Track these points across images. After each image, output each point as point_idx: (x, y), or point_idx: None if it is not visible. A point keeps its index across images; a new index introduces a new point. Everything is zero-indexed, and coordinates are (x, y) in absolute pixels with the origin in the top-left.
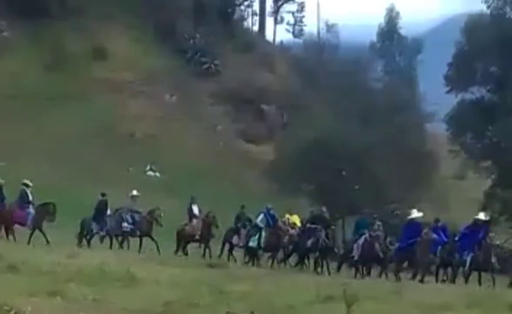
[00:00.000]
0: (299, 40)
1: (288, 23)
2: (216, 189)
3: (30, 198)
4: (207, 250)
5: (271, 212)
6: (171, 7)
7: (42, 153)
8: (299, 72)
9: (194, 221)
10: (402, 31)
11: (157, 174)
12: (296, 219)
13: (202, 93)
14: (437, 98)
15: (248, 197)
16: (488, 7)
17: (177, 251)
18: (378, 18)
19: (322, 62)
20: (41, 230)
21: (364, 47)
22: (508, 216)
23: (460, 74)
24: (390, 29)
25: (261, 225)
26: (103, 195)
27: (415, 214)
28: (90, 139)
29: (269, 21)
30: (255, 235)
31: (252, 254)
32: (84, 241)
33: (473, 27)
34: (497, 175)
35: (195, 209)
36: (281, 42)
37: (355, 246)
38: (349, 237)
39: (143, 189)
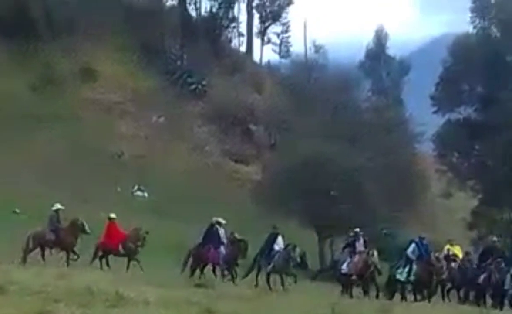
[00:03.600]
0: (286, 61)
1: (274, 44)
2: (204, 210)
3: (222, 236)
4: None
5: (425, 242)
6: (158, 28)
7: (30, 174)
8: (286, 92)
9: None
10: (390, 51)
11: (145, 194)
12: (458, 250)
13: (190, 114)
14: (425, 118)
15: (236, 217)
16: (474, 27)
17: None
18: (365, 38)
19: (310, 82)
20: None
21: (352, 67)
22: (494, 236)
23: (446, 94)
24: (378, 50)
25: (413, 257)
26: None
27: None
28: (78, 160)
29: (256, 42)
30: (404, 267)
31: (398, 288)
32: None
33: (459, 47)
34: (484, 193)
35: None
36: (268, 62)
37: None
38: (338, 256)
39: (131, 209)
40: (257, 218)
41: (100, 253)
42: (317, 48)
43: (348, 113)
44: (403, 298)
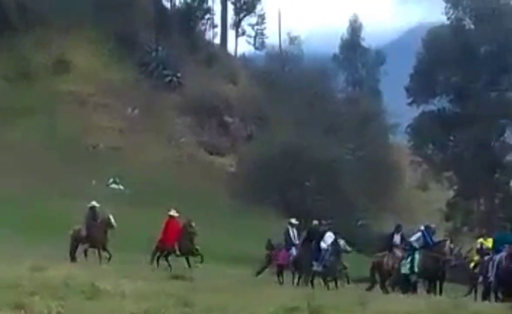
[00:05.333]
0: (261, 52)
1: (249, 36)
2: (180, 201)
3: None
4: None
5: (432, 230)
6: (132, 20)
7: (6, 166)
8: (262, 84)
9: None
10: (365, 43)
11: (121, 187)
12: (490, 243)
13: (165, 105)
14: (400, 110)
15: (212, 208)
16: (448, 18)
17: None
18: (340, 30)
19: (285, 73)
20: None
21: (327, 58)
22: (470, 226)
23: (421, 85)
24: (353, 41)
25: (416, 245)
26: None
27: None
28: (54, 152)
29: (231, 33)
30: (406, 258)
31: (406, 283)
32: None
33: (433, 38)
34: (459, 185)
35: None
36: (243, 54)
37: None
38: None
39: (106, 202)
40: (233, 209)
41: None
42: (292, 40)
43: (324, 105)
44: (412, 290)
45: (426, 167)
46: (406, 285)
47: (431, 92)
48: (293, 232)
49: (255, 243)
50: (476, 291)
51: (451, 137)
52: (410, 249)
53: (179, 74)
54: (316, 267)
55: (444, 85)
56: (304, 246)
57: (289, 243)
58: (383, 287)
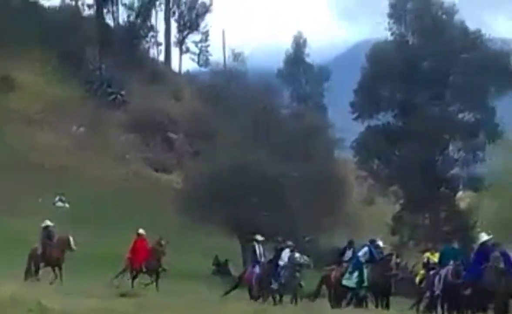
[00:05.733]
0: (205, 69)
1: (193, 53)
2: (126, 219)
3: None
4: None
5: (378, 244)
6: (76, 38)
7: None
8: (206, 100)
9: None
10: (309, 58)
11: (66, 205)
12: (436, 257)
13: (110, 123)
14: (345, 125)
15: (158, 225)
16: (392, 34)
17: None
18: (284, 46)
19: (230, 89)
20: None
21: (272, 74)
22: (416, 240)
23: (365, 100)
24: (297, 57)
25: (362, 259)
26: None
27: (485, 237)
28: (0, 170)
29: (175, 51)
30: (352, 273)
31: (346, 294)
32: None
33: (377, 54)
34: (405, 199)
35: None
36: (188, 71)
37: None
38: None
39: (52, 220)
40: (179, 225)
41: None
42: (236, 56)
43: (269, 120)
44: (356, 304)
45: (372, 181)
46: (352, 299)
47: (375, 107)
48: (259, 249)
49: (201, 259)
50: (419, 305)
51: (396, 152)
52: (356, 263)
53: (123, 92)
54: (273, 285)
55: (388, 100)
56: (268, 264)
57: (253, 261)
58: (330, 300)
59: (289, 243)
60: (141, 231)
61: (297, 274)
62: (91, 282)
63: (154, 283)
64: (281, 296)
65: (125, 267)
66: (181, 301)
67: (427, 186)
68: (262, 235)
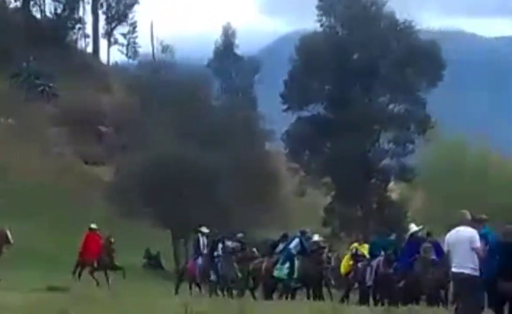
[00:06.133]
0: (134, 61)
1: (121, 45)
2: (56, 212)
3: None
4: None
5: (309, 235)
6: (2, 30)
7: None
8: (136, 93)
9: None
10: (238, 50)
11: None
12: (365, 249)
13: (39, 116)
14: (276, 117)
15: (88, 218)
16: (321, 25)
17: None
18: (213, 37)
19: (159, 82)
20: None
21: (202, 66)
22: (348, 232)
23: (295, 92)
24: (226, 48)
25: (294, 252)
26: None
27: (415, 228)
28: None
29: (103, 43)
30: (283, 264)
31: (277, 285)
32: None
33: (306, 45)
34: (336, 191)
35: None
36: (116, 63)
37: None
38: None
39: None
40: (110, 219)
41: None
42: (165, 48)
43: (200, 112)
44: (287, 296)
45: (303, 173)
46: (284, 290)
47: (305, 98)
48: (203, 241)
49: (132, 252)
50: (348, 296)
51: (327, 144)
52: (287, 255)
53: (51, 84)
54: (212, 276)
55: (318, 91)
56: (208, 256)
57: (197, 253)
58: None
59: (240, 235)
60: (93, 225)
61: (235, 265)
62: (21, 276)
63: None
64: (222, 289)
65: (78, 262)
66: (111, 295)
67: (358, 177)
68: (207, 227)
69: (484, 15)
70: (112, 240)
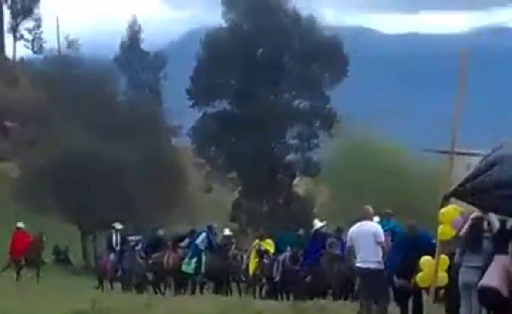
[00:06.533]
0: (40, 56)
1: (27, 40)
2: None
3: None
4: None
5: (214, 230)
6: None
7: None
8: (42, 88)
9: None
10: (145, 45)
11: None
12: (269, 244)
13: None
14: (182, 112)
15: None
16: (226, 21)
17: None
18: (119, 31)
19: (66, 77)
20: None
21: (108, 61)
22: (255, 227)
23: (202, 88)
24: (132, 43)
25: (202, 247)
26: None
27: (319, 224)
28: None
29: (9, 38)
30: (191, 258)
31: (185, 281)
32: None
33: (211, 40)
34: (243, 186)
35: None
36: (22, 58)
37: None
38: (102, 251)
39: None
40: (17, 214)
41: None
42: (70, 43)
43: (107, 108)
44: (194, 290)
45: (210, 168)
46: (181, 282)
47: (211, 94)
48: (116, 237)
49: None
50: (254, 291)
51: (233, 139)
52: (195, 250)
53: None
54: (119, 272)
55: (224, 87)
56: (120, 252)
57: (110, 248)
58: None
59: (161, 232)
60: (19, 224)
61: (139, 260)
62: None
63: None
64: (127, 284)
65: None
66: (19, 289)
67: (264, 172)
68: (121, 223)
69: (387, 12)
70: (44, 238)
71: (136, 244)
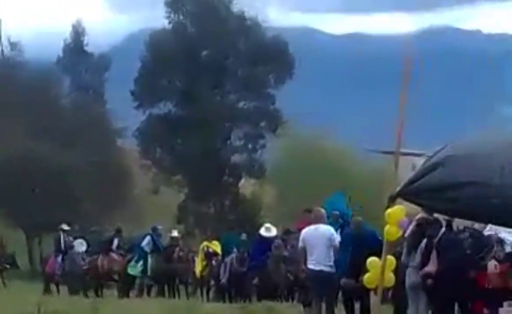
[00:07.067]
0: None
1: None
2: None
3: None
4: None
5: (159, 232)
6: None
7: None
8: None
9: None
10: (89, 47)
11: None
12: (216, 246)
13: None
14: (128, 114)
15: None
16: (170, 22)
17: None
18: (63, 34)
19: (9, 80)
20: None
21: (52, 63)
22: (202, 229)
23: (146, 89)
24: (76, 45)
25: (147, 249)
26: None
27: (265, 233)
28: None
29: None
30: (137, 261)
31: (131, 283)
32: None
33: (155, 42)
34: (189, 188)
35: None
36: None
37: None
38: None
39: None
40: None
41: None
42: (13, 46)
43: (51, 110)
44: (141, 293)
45: (156, 170)
46: (128, 286)
47: (156, 96)
48: (64, 239)
49: None
50: (202, 292)
51: (179, 141)
52: (140, 252)
53: None
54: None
55: (169, 89)
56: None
57: (58, 251)
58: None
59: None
60: None
61: (80, 262)
62: None
63: None
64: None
65: None
66: None
67: (210, 174)
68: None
69: (333, 12)
70: (4, 242)
71: (82, 246)
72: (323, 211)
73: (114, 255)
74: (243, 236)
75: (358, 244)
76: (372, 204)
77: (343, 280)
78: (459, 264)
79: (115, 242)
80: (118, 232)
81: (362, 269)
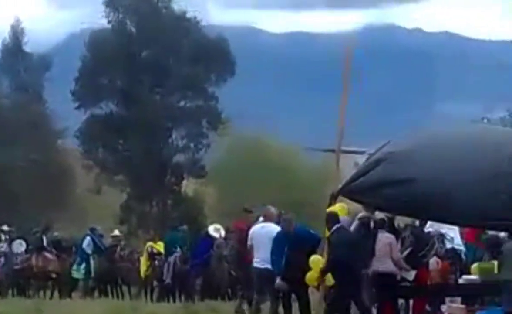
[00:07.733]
0: None
1: None
2: None
3: None
4: None
5: (98, 232)
6: None
7: None
8: None
9: None
10: (28, 47)
11: None
12: (161, 247)
13: None
14: (68, 114)
15: None
16: (109, 22)
17: None
18: (1, 34)
19: None
20: None
21: None
22: (145, 229)
23: (86, 89)
24: (15, 45)
25: (89, 251)
26: None
27: (214, 233)
28: None
29: None
30: (80, 264)
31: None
32: None
33: (95, 42)
34: (131, 188)
35: None
36: None
37: None
38: None
39: None
40: None
41: None
42: None
43: None
44: (85, 295)
45: (98, 170)
46: (71, 288)
47: (97, 95)
48: (5, 240)
49: None
50: (146, 293)
51: (120, 141)
52: (82, 254)
53: None
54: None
55: (110, 89)
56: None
57: None
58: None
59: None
60: None
61: (14, 261)
62: None
63: None
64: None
65: None
66: None
67: (152, 174)
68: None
69: (275, 9)
70: None
71: (21, 246)
72: (273, 209)
73: (47, 254)
74: (184, 229)
75: (293, 242)
76: (314, 202)
77: (277, 282)
78: (344, 259)
79: (45, 239)
80: (47, 229)
81: (299, 269)
